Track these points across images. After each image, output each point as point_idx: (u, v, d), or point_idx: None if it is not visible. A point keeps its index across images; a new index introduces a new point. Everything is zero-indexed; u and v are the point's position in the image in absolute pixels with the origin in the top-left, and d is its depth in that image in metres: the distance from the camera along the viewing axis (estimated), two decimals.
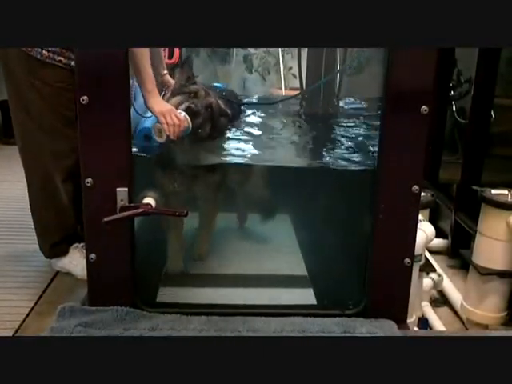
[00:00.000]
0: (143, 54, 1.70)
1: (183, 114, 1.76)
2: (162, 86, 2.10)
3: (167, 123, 1.70)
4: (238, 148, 2.04)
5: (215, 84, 2.13)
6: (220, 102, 1.95)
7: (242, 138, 2.13)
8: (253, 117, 2.39)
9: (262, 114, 2.45)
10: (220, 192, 2.13)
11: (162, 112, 1.72)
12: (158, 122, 1.72)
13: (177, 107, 1.78)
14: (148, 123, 1.85)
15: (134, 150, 1.80)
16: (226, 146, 2.04)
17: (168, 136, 1.71)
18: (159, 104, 1.75)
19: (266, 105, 2.58)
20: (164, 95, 1.96)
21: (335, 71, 2.50)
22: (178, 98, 1.84)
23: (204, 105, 1.84)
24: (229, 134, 2.09)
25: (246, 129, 2.22)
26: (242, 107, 2.34)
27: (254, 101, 2.75)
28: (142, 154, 1.83)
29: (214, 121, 1.88)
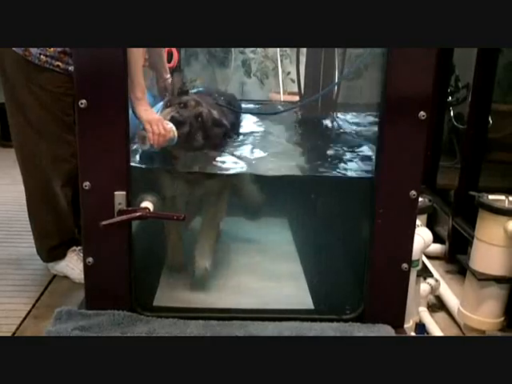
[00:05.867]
0: (136, 61, 1.68)
1: (171, 124, 1.75)
2: (164, 91, 2.11)
3: (153, 132, 1.70)
4: (237, 155, 2.02)
5: (199, 88, 2.13)
6: (215, 112, 1.92)
7: (241, 145, 2.12)
8: (252, 123, 2.39)
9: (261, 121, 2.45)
10: (222, 200, 2.10)
11: (149, 121, 1.71)
12: (144, 129, 1.72)
13: (165, 118, 1.78)
14: None
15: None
16: (223, 154, 2.01)
17: (151, 145, 1.71)
18: (147, 112, 1.75)
19: (267, 114, 2.55)
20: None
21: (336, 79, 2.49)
22: (168, 110, 1.84)
23: (193, 114, 1.83)
24: (228, 142, 2.07)
25: (246, 135, 2.22)
26: (242, 115, 2.31)
27: (253, 106, 2.75)
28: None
29: (206, 130, 1.86)
